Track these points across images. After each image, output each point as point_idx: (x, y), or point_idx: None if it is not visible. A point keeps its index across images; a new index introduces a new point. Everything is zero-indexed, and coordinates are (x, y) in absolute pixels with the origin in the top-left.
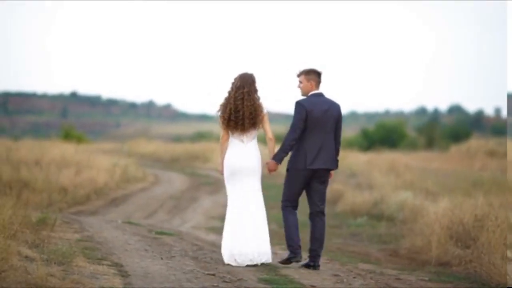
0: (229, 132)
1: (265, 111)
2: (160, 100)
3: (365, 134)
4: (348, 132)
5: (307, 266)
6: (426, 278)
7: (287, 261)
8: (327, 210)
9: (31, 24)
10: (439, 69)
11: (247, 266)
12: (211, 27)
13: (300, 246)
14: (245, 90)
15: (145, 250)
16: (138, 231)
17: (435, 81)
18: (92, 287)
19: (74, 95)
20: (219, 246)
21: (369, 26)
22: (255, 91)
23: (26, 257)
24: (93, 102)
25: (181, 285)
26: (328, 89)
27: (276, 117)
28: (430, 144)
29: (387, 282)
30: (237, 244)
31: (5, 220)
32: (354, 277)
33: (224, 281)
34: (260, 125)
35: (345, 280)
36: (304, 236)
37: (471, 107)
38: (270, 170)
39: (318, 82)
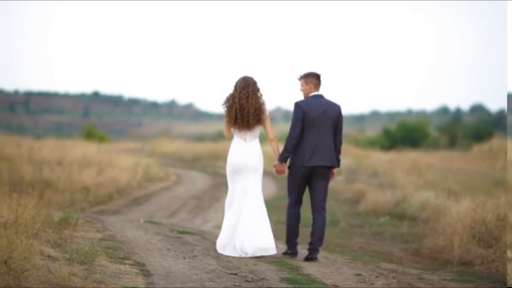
0: (234, 131)
1: (267, 112)
2: (182, 100)
3: (387, 133)
4: (370, 131)
5: (306, 259)
6: (449, 278)
7: (284, 254)
8: (349, 209)
9: (53, 23)
10: (462, 69)
11: (252, 257)
12: (233, 28)
13: (297, 244)
14: (250, 89)
15: (167, 250)
16: (160, 231)
17: (457, 80)
18: (115, 286)
19: (96, 94)
20: None
21: (393, 26)
22: (258, 90)
23: (49, 256)
24: (115, 101)
25: (203, 285)
26: (350, 88)
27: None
28: (452, 143)
29: (409, 282)
30: (236, 237)
31: (27, 219)
32: (376, 277)
33: (246, 281)
34: (262, 125)
35: (367, 279)
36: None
37: (493, 106)
38: (278, 172)
39: (317, 84)
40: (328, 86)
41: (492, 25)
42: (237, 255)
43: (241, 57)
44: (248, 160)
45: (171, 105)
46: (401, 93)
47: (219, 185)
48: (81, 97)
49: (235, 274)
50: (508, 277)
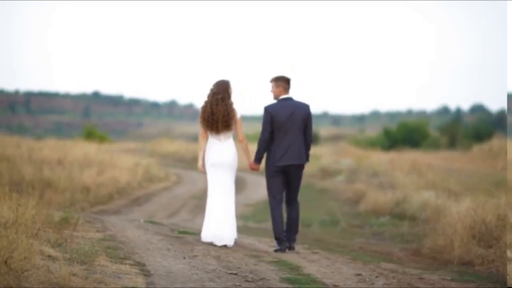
0: (207, 132)
1: (239, 115)
2: (182, 100)
3: (387, 133)
4: (370, 131)
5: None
6: (449, 278)
7: (275, 251)
8: (349, 209)
9: (53, 23)
10: (462, 69)
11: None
12: (233, 28)
13: (285, 239)
14: (219, 96)
15: (167, 249)
16: (160, 230)
17: (457, 80)
18: (115, 286)
19: (96, 94)
20: (241, 245)
21: (393, 26)
22: (229, 97)
23: (49, 256)
24: (116, 101)
25: (203, 285)
26: (350, 88)
27: None
28: (452, 143)
29: (409, 282)
30: (211, 227)
31: (28, 219)
32: (376, 277)
33: (247, 281)
34: (234, 128)
35: (367, 279)
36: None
37: (493, 106)
38: (252, 169)
39: (286, 88)
40: (329, 86)
41: (492, 25)
42: (205, 240)
43: (241, 57)
44: (223, 158)
45: (172, 105)
46: (401, 93)
47: None
48: (81, 97)
49: (235, 274)
50: (508, 277)
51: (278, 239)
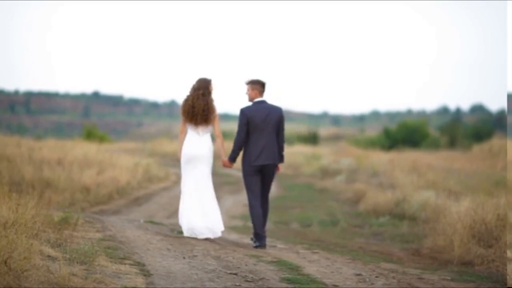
0: (188, 126)
1: (216, 112)
2: (182, 100)
3: (387, 133)
4: (370, 131)
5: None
6: (449, 278)
7: (255, 248)
8: (349, 209)
9: (54, 23)
10: (462, 69)
11: (206, 239)
12: (233, 28)
13: (265, 236)
14: (200, 92)
15: (167, 250)
16: (160, 230)
17: (457, 80)
18: (115, 286)
19: (96, 94)
20: (241, 245)
21: (393, 26)
22: (209, 93)
23: (49, 256)
24: (115, 101)
25: (203, 285)
26: (350, 88)
27: (298, 116)
28: (452, 143)
29: (409, 282)
30: (188, 219)
31: (27, 219)
32: (376, 277)
33: (246, 281)
34: (212, 123)
35: (367, 279)
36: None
37: (493, 106)
38: (225, 166)
39: (261, 91)
40: (329, 86)
41: (492, 25)
42: (188, 235)
43: (240, 58)
44: (199, 150)
45: (171, 105)
46: (401, 93)
47: (219, 185)
48: (81, 97)
49: (235, 274)
50: (508, 277)
51: (257, 235)
